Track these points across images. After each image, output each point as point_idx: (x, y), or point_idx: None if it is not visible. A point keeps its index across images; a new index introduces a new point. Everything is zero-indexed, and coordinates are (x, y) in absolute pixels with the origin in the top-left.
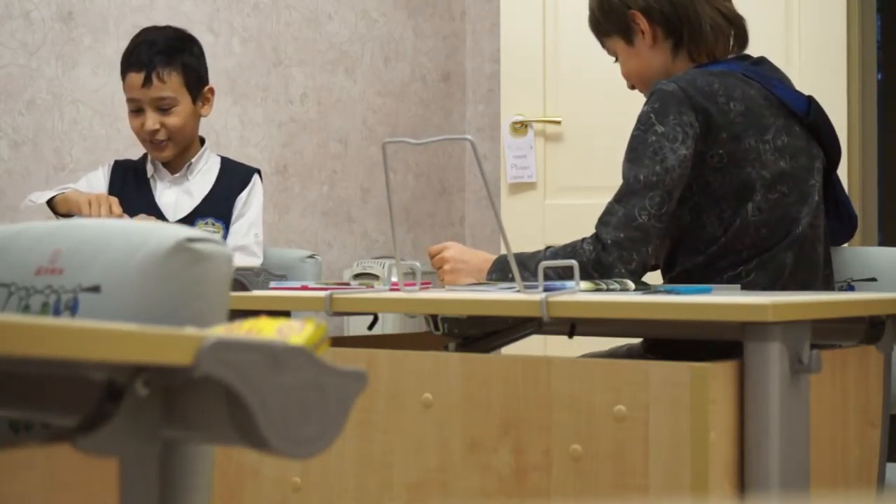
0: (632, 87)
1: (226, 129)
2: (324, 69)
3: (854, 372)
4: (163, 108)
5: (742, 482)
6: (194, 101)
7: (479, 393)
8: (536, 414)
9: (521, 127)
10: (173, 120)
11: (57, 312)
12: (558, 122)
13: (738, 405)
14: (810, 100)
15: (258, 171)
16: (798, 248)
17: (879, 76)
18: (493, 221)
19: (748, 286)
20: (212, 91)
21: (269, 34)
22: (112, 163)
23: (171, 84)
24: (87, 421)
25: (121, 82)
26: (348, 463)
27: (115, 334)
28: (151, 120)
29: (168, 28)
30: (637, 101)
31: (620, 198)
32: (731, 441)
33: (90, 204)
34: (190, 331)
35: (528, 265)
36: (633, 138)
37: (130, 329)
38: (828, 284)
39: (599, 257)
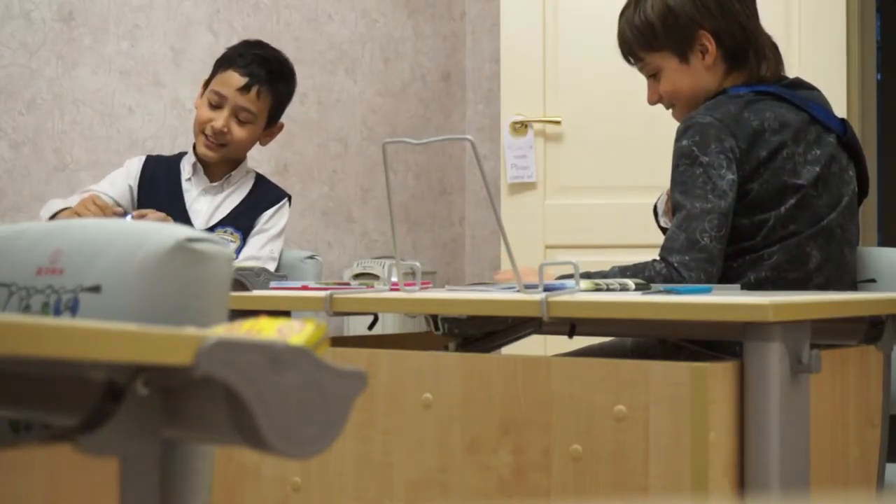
0: (656, 101)
1: None
2: (324, 69)
3: (854, 372)
4: (240, 118)
5: (742, 482)
6: (266, 127)
7: (479, 393)
8: (536, 414)
9: (521, 127)
10: (242, 133)
11: (57, 312)
12: (558, 122)
13: (738, 405)
14: (845, 122)
15: (289, 197)
16: (825, 242)
17: (879, 76)
18: (493, 221)
19: (771, 269)
20: (281, 128)
21: (269, 34)
22: (144, 158)
23: (261, 103)
24: (88, 421)
25: (123, 82)
26: (348, 463)
27: (115, 334)
28: (224, 120)
29: (279, 53)
30: (636, 101)
31: (680, 224)
32: (731, 441)
33: (80, 215)
34: (190, 331)
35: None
36: (680, 173)
37: (130, 329)
38: (852, 289)
39: (672, 276)
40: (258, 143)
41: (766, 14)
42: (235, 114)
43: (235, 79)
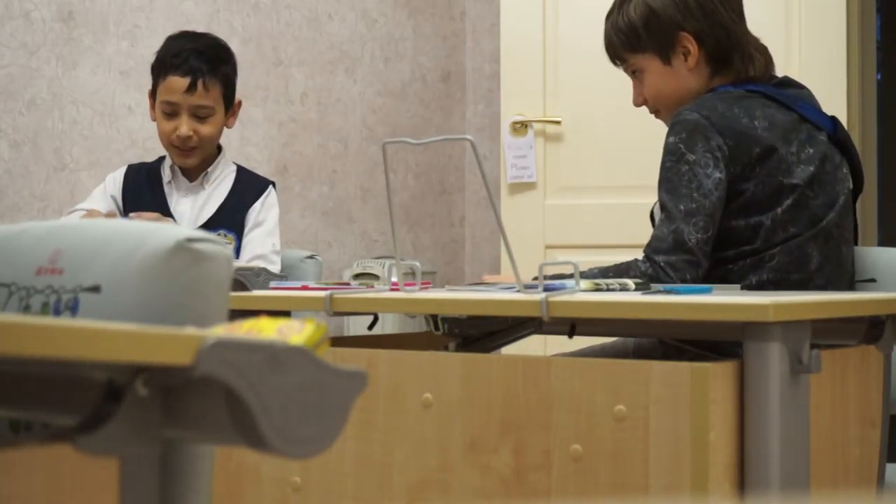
0: (641, 103)
1: (226, 129)
2: (324, 69)
3: (854, 372)
4: (199, 115)
5: (742, 482)
6: (226, 112)
7: (479, 393)
8: (536, 414)
9: (521, 127)
10: (207, 129)
11: (57, 312)
12: (558, 122)
13: (738, 405)
14: (835, 119)
15: (273, 184)
16: (823, 242)
17: (879, 76)
18: (493, 221)
19: (773, 271)
20: (240, 104)
21: (269, 34)
22: (125, 168)
23: (212, 94)
24: (88, 421)
25: (123, 82)
26: (348, 463)
27: (115, 334)
28: (186, 126)
29: (207, 36)
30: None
31: (667, 224)
32: (731, 441)
33: None
34: (190, 331)
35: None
36: (667, 170)
37: (130, 329)
38: (851, 287)
39: (658, 275)
40: (226, 126)
41: (767, 14)
42: (194, 114)
43: (178, 83)
